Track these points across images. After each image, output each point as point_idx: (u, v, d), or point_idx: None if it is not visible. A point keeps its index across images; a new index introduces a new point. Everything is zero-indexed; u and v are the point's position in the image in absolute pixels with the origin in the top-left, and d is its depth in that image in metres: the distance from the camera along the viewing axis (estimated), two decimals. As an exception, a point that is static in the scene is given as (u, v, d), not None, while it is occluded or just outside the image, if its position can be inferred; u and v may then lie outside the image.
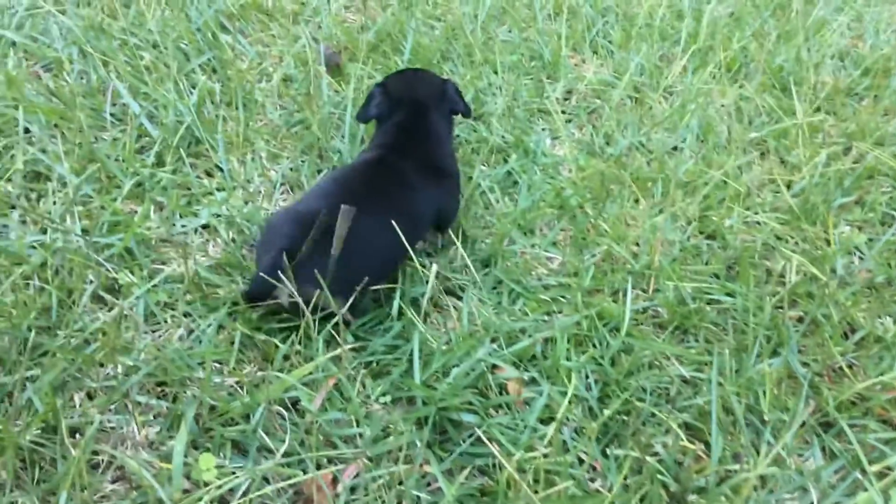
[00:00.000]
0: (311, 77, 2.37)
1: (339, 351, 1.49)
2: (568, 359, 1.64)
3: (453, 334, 1.66)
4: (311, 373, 1.48)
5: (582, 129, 2.45)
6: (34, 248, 1.69)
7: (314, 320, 1.53)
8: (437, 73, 2.21)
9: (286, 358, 1.58)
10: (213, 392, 1.46)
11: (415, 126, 1.93)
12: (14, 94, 2.05)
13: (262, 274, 1.48)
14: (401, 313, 1.69)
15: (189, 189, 1.98)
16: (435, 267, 1.68)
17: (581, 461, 1.48)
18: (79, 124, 2.00)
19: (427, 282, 1.71)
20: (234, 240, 1.84)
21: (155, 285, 1.69)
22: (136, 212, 1.88)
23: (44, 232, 1.75)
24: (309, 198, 1.70)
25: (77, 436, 1.39)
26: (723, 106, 2.60)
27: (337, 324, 1.55)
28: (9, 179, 1.87)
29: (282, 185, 2.05)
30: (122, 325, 1.58)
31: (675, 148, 2.43)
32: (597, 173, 2.16)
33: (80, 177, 1.87)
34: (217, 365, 1.56)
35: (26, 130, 2.00)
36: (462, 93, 2.05)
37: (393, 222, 1.61)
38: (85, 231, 1.75)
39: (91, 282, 1.66)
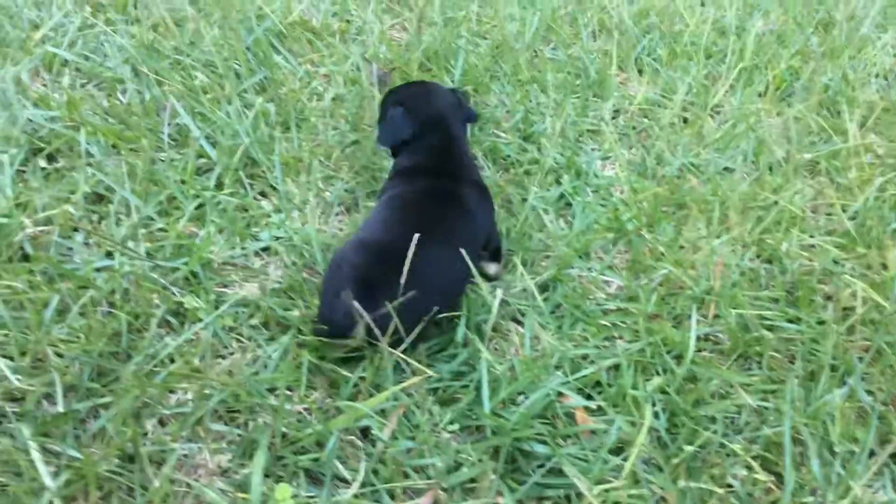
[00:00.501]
0: (361, 97, 2.38)
1: (413, 380, 1.48)
2: (634, 387, 1.63)
3: (517, 361, 1.65)
4: (387, 400, 1.47)
5: (631, 149, 2.44)
6: (98, 271, 1.69)
7: (387, 352, 1.53)
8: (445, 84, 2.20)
9: (353, 385, 1.57)
10: (284, 419, 1.45)
11: (448, 144, 1.90)
12: (73, 115, 2.06)
13: (327, 312, 1.55)
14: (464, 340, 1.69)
15: (246, 210, 1.98)
16: (500, 293, 1.67)
17: (652, 493, 1.47)
18: (139, 145, 2.01)
19: (488, 306, 1.71)
20: (294, 263, 1.84)
21: (219, 309, 1.69)
22: (195, 234, 1.88)
23: (108, 255, 1.76)
24: (373, 228, 1.70)
25: (152, 464, 1.39)
26: (772, 126, 2.58)
27: (404, 351, 1.55)
28: (69, 201, 1.87)
29: (339, 205, 2.05)
30: (191, 351, 1.59)
31: (726, 169, 2.41)
32: (651, 195, 2.15)
33: (143, 199, 1.87)
34: (286, 392, 1.56)
35: (87, 152, 2.01)
36: (469, 98, 2.06)
37: (462, 251, 1.60)
38: (149, 254, 1.75)
39: (158, 306, 1.66)
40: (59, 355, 1.49)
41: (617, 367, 1.68)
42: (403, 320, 1.50)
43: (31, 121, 2.07)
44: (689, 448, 1.47)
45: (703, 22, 3.11)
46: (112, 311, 1.61)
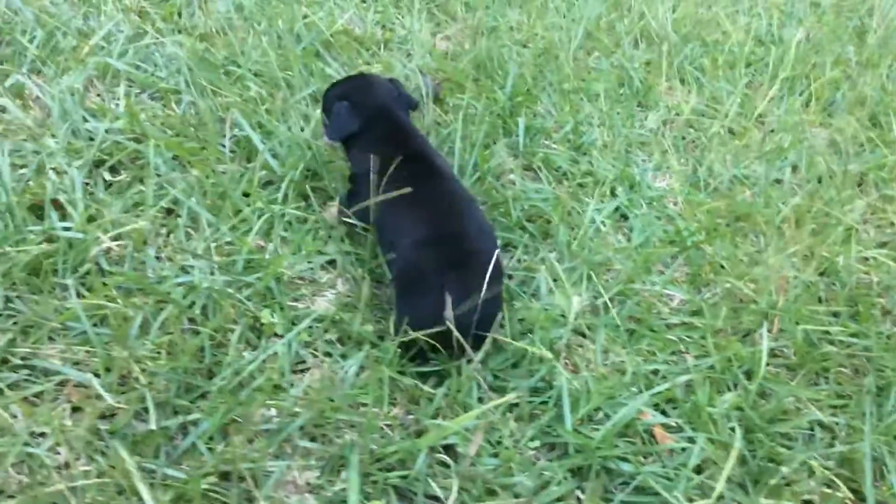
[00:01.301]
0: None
1: (501, 400, 1.49)
2: (710, 403, 1.64)
3: (590, 377, 1.67)
4: (477, 418, 1.49)
5: (681, 161, 2.45)
6: (173, 285, 1.70)
7: (468, 368, 1.54)
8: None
9: (431, 400, 1.59)
10: (370, 436, 1.46)
11: (400, 131, 1.97)
12: (135, 127, 2.06)
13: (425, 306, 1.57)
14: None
15: (306, 222, 1.99)
16: (576, 304, 1.69)
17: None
18: (201, 157, 2.02)
19: (555, 321, 1.73)
20: (363, 276, 1.85)
21: (294, 324, 1.70)
22: (262, 247, 1.89)
23: (182, 270, 1.76)
24: (420, 223, 1.73)
25: (244, 481, 1.40)
26: (817, 137, 2.60)
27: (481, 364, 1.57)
28: (138, 215, 1.88)
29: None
30: (271, 367, 1.60)
31: (776, 181, 2.43)
32: (706, 208, 2.16)
33: (212, 212, 1.88)
34: (365, 407, 1.57)
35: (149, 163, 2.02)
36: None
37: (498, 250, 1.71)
38: (222, 269, 1.76)
39: (235, 322, 1.67)
40: (145, 371, 1.50)
41: (691, 383, 1.69)
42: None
43: (89, 132, 2.07)
44: (780, 468, 1.48)
45: (744, 31, 3.12)
46: (194, 327, 1.61)
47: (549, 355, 1.64)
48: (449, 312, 1.54)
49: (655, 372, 1.74)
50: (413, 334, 1.56)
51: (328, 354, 1.70)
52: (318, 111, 2.21)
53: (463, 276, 1.62)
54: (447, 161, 1.99)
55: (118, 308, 1.55)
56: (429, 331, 1.55)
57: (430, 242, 1.69)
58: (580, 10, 3.15)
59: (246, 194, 2.00)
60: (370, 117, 1.92)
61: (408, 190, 1.69)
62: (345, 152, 2.03)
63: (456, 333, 1.53)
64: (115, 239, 1.72)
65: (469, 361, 1.58)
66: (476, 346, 1.59)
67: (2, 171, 1.81)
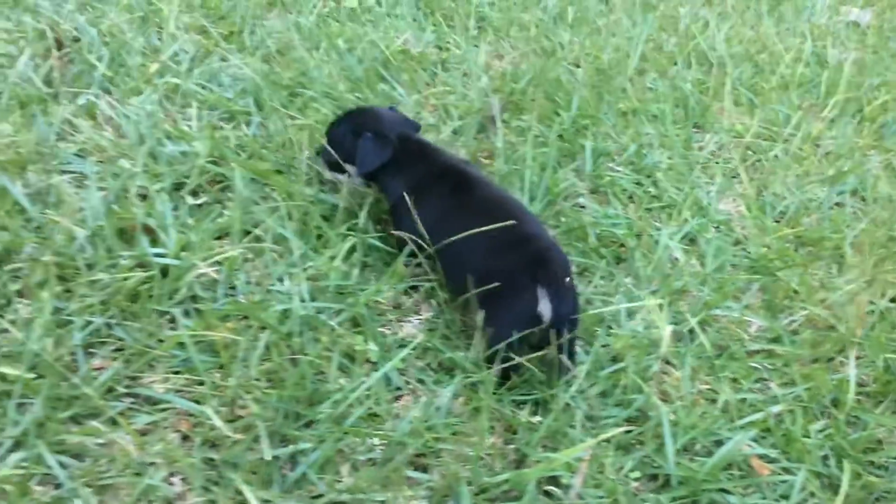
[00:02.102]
0: (476, 128, 2.41)
1: (610, 434, 1.50)
2: (805, 434, 1.65)
3: (681, 408, 1.68)
4: (602, 453, 1.49)
5: (741, 184, 2.46)
6: (273, 313, 1.71)
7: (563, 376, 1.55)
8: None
9: (530, 429, 1.59)
10: (475, 466, 1.47)
11: (430, 151, 1.99)
12: (213, 150, 2.07)
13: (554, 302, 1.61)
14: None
15: (385, 247, 1.99)
16: (667, 333, 1.70)
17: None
18: (277, 180, 2.03)
19: (640, 347, 1.75)
20: (446, 301, 1.86)
21: (387, 351, 1.71)
22: (341, 272, 1.89)
23: (270, 295, 1.77)
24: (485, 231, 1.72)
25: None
26: (871, 159, 2.62)
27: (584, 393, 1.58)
28: (220, 237, 1.89)
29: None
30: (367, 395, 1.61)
31: (837, 204, 2.44)
32: (779, 234, 2.18)
33: (302, 239, 1.89)
34: (462, 436, 1.58)
35: (228, 186, 2.03)
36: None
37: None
38: (313, 296, 1.77)
39: (328, 349, 1.68)
40: (258, 401, 1.51)
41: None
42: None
43: (166, 154, 2.08)
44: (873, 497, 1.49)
45: (792, 52, 3.14)
46: (294, 355, 1.62)
47: (646, 387, 1.65)
48: (545, 306, 1.59)
49: (743, 401, 1.75)
50: (517, 359, 1.59)
51: (421, 381, 1.70)
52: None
53: (547, 271, 1.65)
54: (477, 167, 2.03)
55: (228, 336, 1.55)
56: (524, 332, 1.61)
57: (504, 246, 1.70)
58: (629, 31, 3.16)
59: (325, 218, 2.01)
60: (395, 143, 1.92)
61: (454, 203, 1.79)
62: (377, 186, 2.01)
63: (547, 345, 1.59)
64: (211, 265, 1.72)
65: (565, 373, 1.62)
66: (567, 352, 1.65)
67: (98, 195, 1.81)
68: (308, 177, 2.13)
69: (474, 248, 1.71)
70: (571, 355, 1.66)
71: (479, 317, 1.65)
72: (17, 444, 1.41)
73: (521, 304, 1.62)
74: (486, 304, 1.66)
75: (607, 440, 1.61)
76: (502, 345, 1.58)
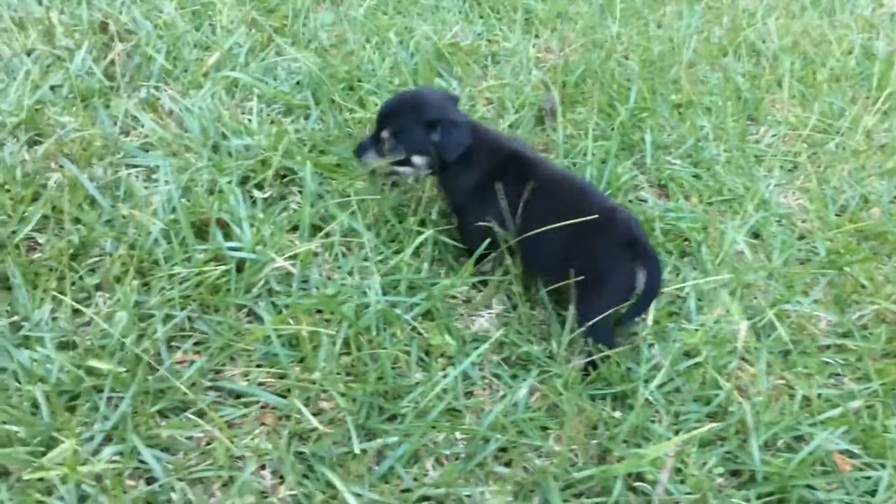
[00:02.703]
0: (531, 121, 2.40)
1: (695, 433, 1.49)
2: (885, 429, 1.64)
3: (759, 403, 1.66)
4: (685, 448, 1.49)
5: (800, 177, 2.44)
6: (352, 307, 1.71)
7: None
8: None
9: (609, 424, 1.59)
10: (562, 461, 1.47)
11: (492, 136, 1.95)
12: (277, 144, 2.07)
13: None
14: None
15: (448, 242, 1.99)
16: (744, 329, 1.69)
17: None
18: (345, 174, 2.03)
19: (715, 341, 1.74)
20: (517, 293, 1.85)
21: (463, 346, 1.70)
22: (412, 266, 1.89)
23: (342, 289, 1.77)
24: (567, 213, 1.72)
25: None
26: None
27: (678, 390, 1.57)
28: (291, 231, 1.89)
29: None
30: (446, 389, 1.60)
31: (896, 197, 2.42)
32: (846, 228, 2.16)
33: (375, 233, 1.88)
34: (542, 430, 1.58)
35: (293, 180, 2.03)
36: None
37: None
38: (385, 290, 1.77)
39: (406, 344, 1.68)
40: (344, 395, 1.51)
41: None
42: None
43: (229, 147, 2.08)
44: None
45: (843, 46, 3.11)
46: (373, 350, 1.62)
47: (725, 383, 1.64)
48: (640, 279, 1.67)
49: (818, 396, 1.73)
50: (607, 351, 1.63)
51: (496, 376, 1.70)
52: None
53: (642, 247, 1.71)
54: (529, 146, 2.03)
55: (312, 329, 1.55)
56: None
57: (590, 226, 1.68)
58: (676, 23, 3.14)
59: (395, 213, 2.00)
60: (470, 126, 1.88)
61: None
62: (443, 178, 1.93)
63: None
64: (288, 259, 1.72)
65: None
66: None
67: (171, 189, 1.81)
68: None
69: (558, 231, 1.70)
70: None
71: (575, 299, 1.68)
72: (108, 439, 1.41)
73: (622, 280, 1.68)
74: (582, 285, 1.67)
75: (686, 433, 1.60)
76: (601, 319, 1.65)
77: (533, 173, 1.81)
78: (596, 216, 1.68)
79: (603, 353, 1.63)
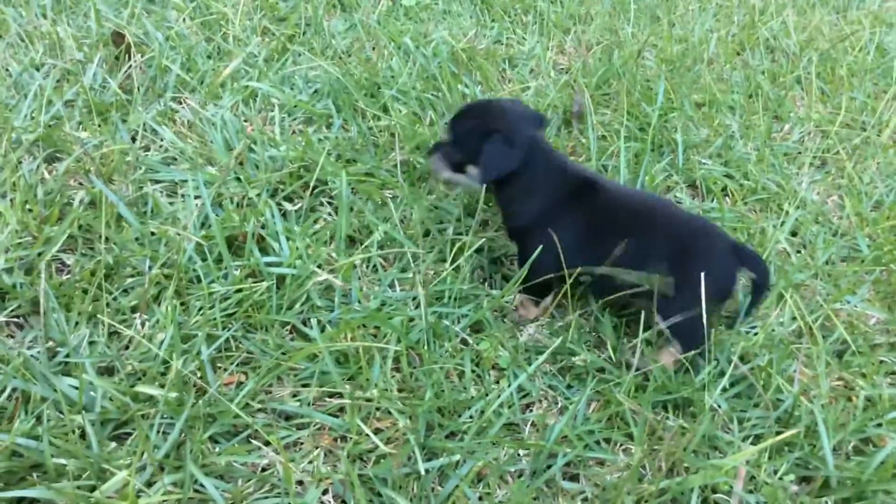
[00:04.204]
0: (555, 124, 2.35)
1: (772, 441, 1.44)
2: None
3: (822, 406, 1.61)
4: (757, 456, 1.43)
5: (831, 175, 2.41)
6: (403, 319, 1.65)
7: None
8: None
9: (681, 433, 1.53)
10: (633, 474, 1.41)
11: (560, 162, 1.78)
12: (304, 154, 2.00)
13: None
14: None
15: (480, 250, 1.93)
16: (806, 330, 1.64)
17: None
18: (375, 183, 1.97)
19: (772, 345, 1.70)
20: (560, 304, 1.80)
21: (517, 356, 1.64)
22: (456, 277, 1.83)
23: (383, 304, 1.71)
24: (660, 239, 1.68)
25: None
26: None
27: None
28: (326, 244, 1.83)
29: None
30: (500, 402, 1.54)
31: (927, 191, 2.39)
32: (887, 224, 2.12)
33: (417, 244, 1.82)
34: (605, 443, 1.52)
35: (322, 191, 1.97)
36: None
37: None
38: (430, 303, 1.71)
39: (452, 355, 1.62)
40: (403, 413, 1.44)
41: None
42: None
43: (255, 159, 2.02)
44: None
45: (856, 42, 3.09)
46: (424, 364, 1.56)
47: (789, 387, 1.59)
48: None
49: (879, 396, 1.69)
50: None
51: (552, 388, 1.64)
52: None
53: (740, 250, 1.69)
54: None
55: (363, 345, 1.48)
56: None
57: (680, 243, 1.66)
58: (690, 22, 3.11)
59: (437, 222, 1.94)
60: (524, 151, 1.69)
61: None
62: (500, 197, 1.79)
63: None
64: (330, 272, 1.65)
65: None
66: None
67: (204, 203, 1.74)
68: (395, 178, 2.07)
69: (648, 257, 1.63)
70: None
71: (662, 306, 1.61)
72: (160, 468, 1.34)
73: (721, 284, 1.64)
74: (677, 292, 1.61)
75: (754, 441, 1.55)
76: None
77: (609, 201, 1.72)
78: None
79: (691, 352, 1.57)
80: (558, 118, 2.40)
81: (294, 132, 2.22)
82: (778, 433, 1.53)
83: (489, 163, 1.67)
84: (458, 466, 1.41)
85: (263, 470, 1.38)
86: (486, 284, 1.85)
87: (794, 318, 1.83)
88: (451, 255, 1.83)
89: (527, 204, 1.72)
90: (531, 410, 1.60)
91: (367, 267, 1.82)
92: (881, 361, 1.80)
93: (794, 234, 2.16)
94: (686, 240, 1.65)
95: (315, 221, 1.92)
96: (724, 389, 1.60)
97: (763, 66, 2.90)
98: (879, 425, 1.60)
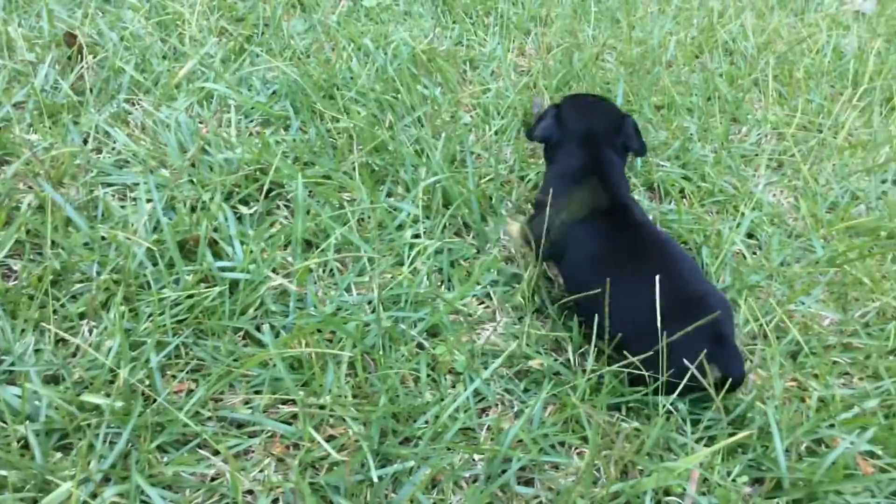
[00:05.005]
0: (515, 126, 2.35)
1: (727, 442, 1.44)
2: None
3: (776, 408, 1.63)
4: (710, 458, 1.44)
5: (788, 176, 2.43)
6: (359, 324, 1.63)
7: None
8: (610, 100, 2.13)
9: (635, 436, 1.54)
10: (586, 478, 1.41)
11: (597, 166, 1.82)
12: (261, 157, 1.98)
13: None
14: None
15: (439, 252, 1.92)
16: (759, 331, 1.65)
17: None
18: (333, 185, 1.95)
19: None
20: (515, 307, 1.79)
21: (474, 360, 1.64)
22: (413, 280, 1.82)
23: (339, 309, 1.70)
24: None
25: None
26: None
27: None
28: (284, 249, 1.81)
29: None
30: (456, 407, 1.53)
31: (884, 193, 2.42)
32: (842, 226, 2.15)
33: (371, 246, 1.81)
34: (560, 446, 1.52)
35: (279, 194, 1.95)
36: (640, 131, 1.93)
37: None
38: (386, 307, 1.69)
39: (407, 359, 1.61)
40: (357, 419, 1.43)
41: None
42: None
43: (209, 162, 1.99)
44: None
45: (813, 44, 3.13)
46: (382, 370, 1.54)
47: (750, 389, 1.60)
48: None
49: (832, 397, 1.71)
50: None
51: (508, 391, 1.64)
52: (442, 135, 2.14)
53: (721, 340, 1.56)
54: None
55: (317, 351, 1.46)
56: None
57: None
58: (649, 25, 3.13)
59: (380, 224, 1.93)
60: (570, 135, 1.86)
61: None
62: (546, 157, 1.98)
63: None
64: (286, 277, 1.63)
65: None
66: None
67: (155, 207, 1.71)
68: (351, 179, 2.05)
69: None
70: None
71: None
72: (106, 479, 1.31)
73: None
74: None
75: (708, 442, 1.56)
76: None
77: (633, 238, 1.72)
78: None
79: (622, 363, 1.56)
80: (517, 121, 2.40)
81: (251, 134, 2.19)
82: (731, 435, 1.54)
83: (535, 125, 1.91)
84: (412, 473, 1.40)
85: (213, 479, 1.35)
86: (445, 287, 1.83)
87: (747, 321, 1.84)
88: (410, 259, 1.82)
89: (546, 182, 1.89)
90: (488, 415, 1.59)
91: (324, 271, 1.80)
92: (834, 362, 1.82)
93: (750, 235, 2.18)
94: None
95: (271, 225, 1.90)
96: (681, 393, 1.60)
97: (722, 68, 2.92)
98: (832, 426, 1.61)
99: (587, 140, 1.84)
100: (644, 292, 1.50)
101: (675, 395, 1.51)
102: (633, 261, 1.65)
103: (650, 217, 1.89)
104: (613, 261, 1.66)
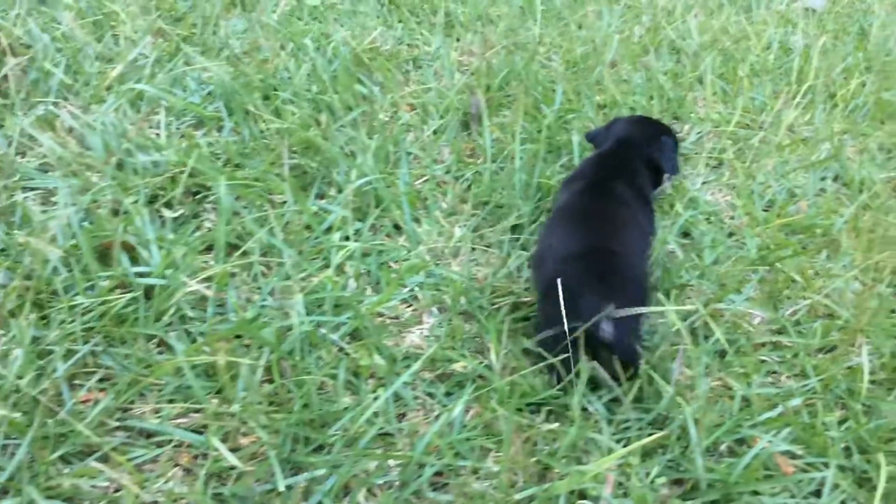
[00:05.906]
0: (454, 126, 2.34)
1: (639, 443, 1.43)
2: (824, 426, 1.62)
3: (699, 407, 1.62)
4: (626, 459, 1.43)
5: (727, 175, 2.44)
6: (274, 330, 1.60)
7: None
8: (667, 126, 2.20)
9: (548, 438, 1.53)
10: (500, 482, 1.40)
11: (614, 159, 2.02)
12: (186, 159, 1.95)
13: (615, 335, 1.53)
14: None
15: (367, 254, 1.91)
16: (684, 331, 1.65)
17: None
18: (261, 188, 1.93)
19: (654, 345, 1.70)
20: (445, 309, 1.78)
21: (394, 365, 1.62)
22: (337, 283, 1.80)
23: (262, 311, 1.67)
24: (565, 237, 1.70)
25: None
26: (846, 144, 2.62)
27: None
28: (205, 252, 1.78)
29: (469, 244, 1.99)
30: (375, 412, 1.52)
31: (822, 190, 2.43)
32: (778, 223, 2.15)
33: (294, 250, 1.78)
34: (480, 451, 1.51)
35: (206, 197, 1.92)
36: (676, 150, 2.08)
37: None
38: (309, 311, 1.67)
39: (328, 364, 1.59)
40: (266, 427, 1.40)
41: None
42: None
43: (134, 165, 1.95)
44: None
45: (761, 41, 3.14)
46: (298, 375, 1.52)
47: (671, 389, 1.59)
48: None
49: (757, 395, 1.70)
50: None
51: (430, 395, 1.62)
52: (377, 136, 2.12)
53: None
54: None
55: (229, 359, 1.44)
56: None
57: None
58: (597, 23, 3.12)
59: (310, 227, 1.91)
60: (608, 137, 2.10)
61: None
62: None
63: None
64: (202, 282, 1.60)
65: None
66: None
67: (70, 212, 1.68)
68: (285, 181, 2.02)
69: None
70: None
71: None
72: (3, 492, 1.28)
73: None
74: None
75: (627, 443, 1.55)
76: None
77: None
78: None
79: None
80: (458, 120, 2.38)
81: (183, 136, 2.16)
82: (650, 435, 1.53)
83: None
84: (323, 481, 1.37)
85: (116, 491, 1.32)
86: (373, 290, 1.81)
87: (682, 319, 1.83)
88: (336, 262, 1.80)
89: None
90: (408, 420, 1.57)
91: (249, 275, 1.77)
92: (762, 361, 1.81)
93: (686, 234, 2.18)
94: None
95: (197, 228, 1.87)
96: (602, 393, 1.59)
97: (667, 66, 2.92)
98: (754, 426, 1.61)
99: (618, 142, 2.05)
100: (565, 245, 1.64)
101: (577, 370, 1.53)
102: (577, 218, 1.76)
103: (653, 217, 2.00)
104: (566, 214, 1.80)
